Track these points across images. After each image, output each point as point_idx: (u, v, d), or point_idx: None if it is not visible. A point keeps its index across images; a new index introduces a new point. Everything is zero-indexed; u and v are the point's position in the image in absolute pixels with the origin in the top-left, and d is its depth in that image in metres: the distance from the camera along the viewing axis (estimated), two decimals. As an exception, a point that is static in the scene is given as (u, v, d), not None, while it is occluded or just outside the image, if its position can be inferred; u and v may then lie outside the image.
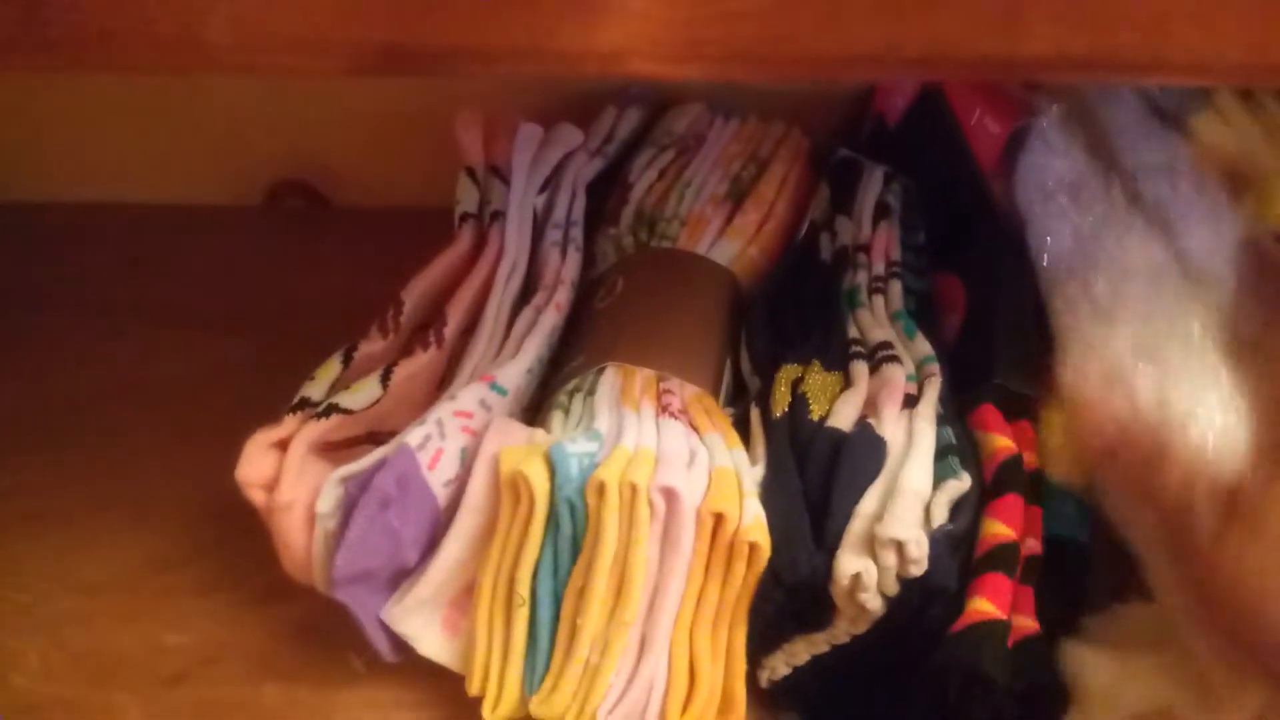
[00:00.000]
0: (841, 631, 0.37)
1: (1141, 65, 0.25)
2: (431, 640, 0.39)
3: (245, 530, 0.39)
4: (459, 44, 0.24)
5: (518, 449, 0.36)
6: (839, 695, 0.40)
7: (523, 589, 0.36)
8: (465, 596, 0.39)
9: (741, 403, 0.42)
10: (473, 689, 0.38)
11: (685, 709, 0.37)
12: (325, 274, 0.55)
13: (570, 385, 0.41)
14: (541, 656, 0.37)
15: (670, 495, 0.35)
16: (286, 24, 0.23)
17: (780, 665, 0.39)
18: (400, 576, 0.38)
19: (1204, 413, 0.36)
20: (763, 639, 0.38)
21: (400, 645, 0.39)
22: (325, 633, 0.41)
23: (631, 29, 0.23)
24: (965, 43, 0.24)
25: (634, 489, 0.35)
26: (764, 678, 0.40)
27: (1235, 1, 0.23)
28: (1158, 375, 0.37)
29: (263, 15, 0.23)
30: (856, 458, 0.37)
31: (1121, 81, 0.43)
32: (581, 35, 0.24)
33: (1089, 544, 0.37)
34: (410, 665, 0.39)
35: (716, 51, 0.24)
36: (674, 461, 0.36)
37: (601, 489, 0.35)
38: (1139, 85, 0.44)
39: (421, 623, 0.38)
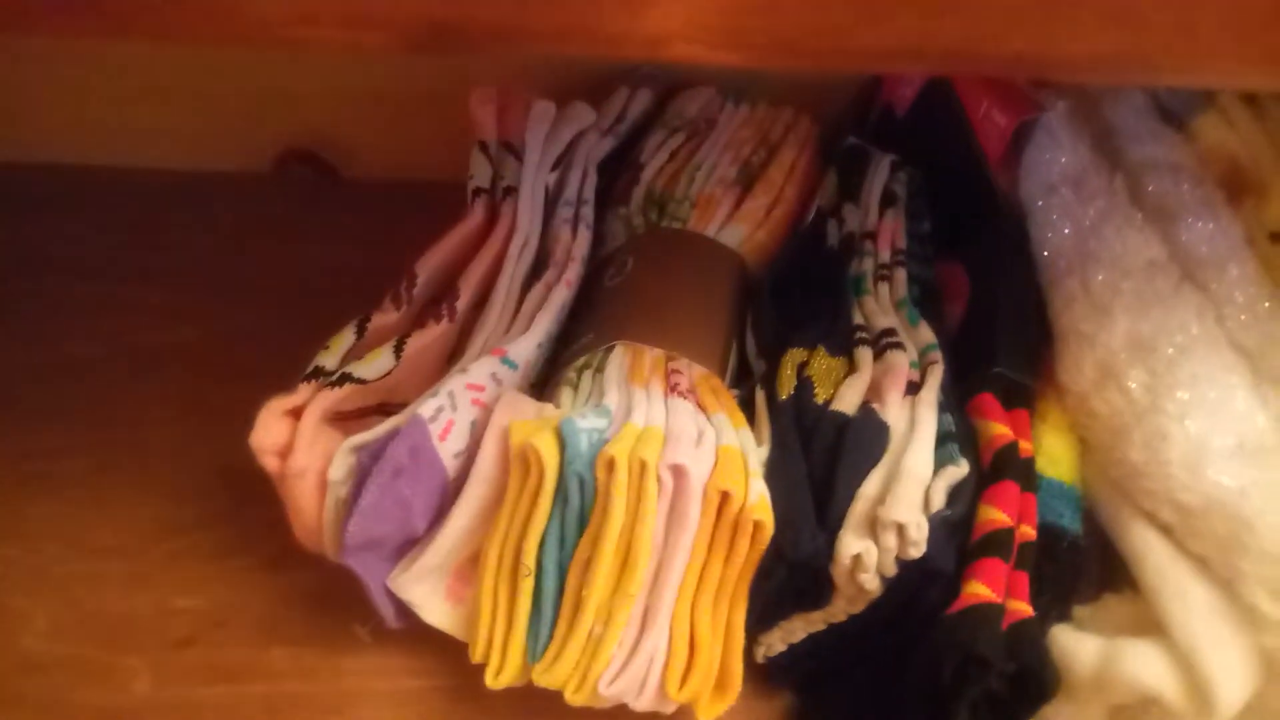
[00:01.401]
0: (839, 611, 0.38)
1: (1168, 67, 0.26)
2: (436, 608, 0.39)
3: (254, 497, 0.40)
4: (507, 23, 0.24)
5: (528, 422, 0.37)
6: (833, 674, 0.41)
7: (529, 559, 0.37)
8: (470, 566, 0.39)
9: (747, 384, 0.43)
10: (476, 656, 0.38)
11: (684, 682, 0.37)
12: (333, 244, 0.56)
13: (579, 362, 0.41)
14: (545, 626, 0.37)
15: (678, 473, 0.35)
16: (336, -2, 0.24)
17: (777, 642, 0.40)
18: (408, 545, 0.39)
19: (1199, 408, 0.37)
20: (761, 616, 0.39)
21: (404, 613, 0.39)
22: (333, 599, 0.41)
23: (676, 14, 0.24)
24: (1000, 40, 0.25)
25: (643, 465, 0.35)
26: (760, 654, 0.41)
27: (1259, 6, 0.24)
28: (1152, 370, 0.38)
29: (314, -12, 0.24)
30: (860, 441, 0.38)
31: (1148, 82, 0.44)
32: (626, 18, 0.24)
33: (1081, 533, 0.38)
34: (415, 633, 0.39)
35: (759, 40, 0.24)
36: (682, 440, 0.36)
37: (611, 464, 0.35)
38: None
39: (427, 590, 0.39)
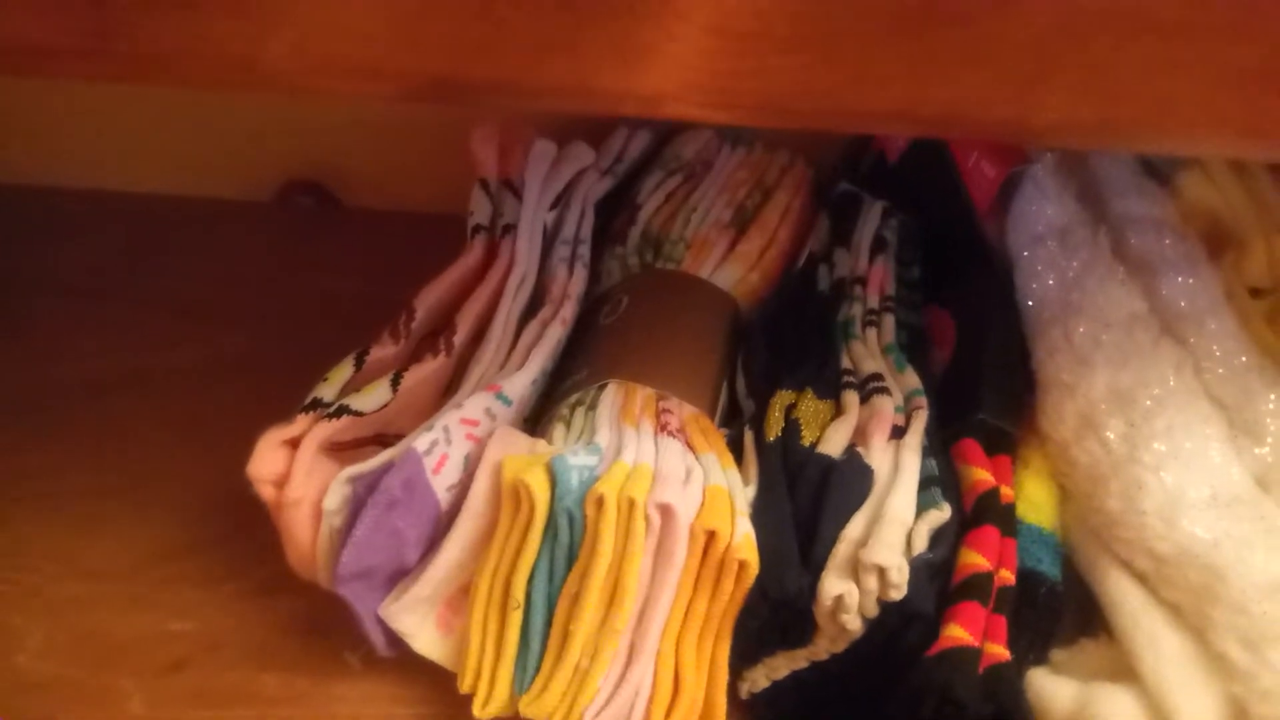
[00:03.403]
0: (821, 649, 0.39)
1: (1146, 136, 0.27)
2: (426, 638, 0.40)
3: (248, 523, 0.40)
4: (506, 80, 0.25)
5: (520, 458, 0.37)
6: (815, 710, 0.41)
7: (518, 592, 0.37)
8: (460, 597, 0.40)
9: (736, 424, 0.43)
10: (464, 686, 0.39)
11: (668, 716, 0.38)
12: (333, 273, 0.56)
13: (572, 399, 0.42)
14: (533, 658, 0.38)
15: (666, 511, 0.36)
16: (346, 51, 0.25)
17: (761, 678, 0.41)
18: (399, 575, 0.39)
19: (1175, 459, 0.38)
20: (745, 653, 0.39)
21: (395, 641, 0.40)
22: (325, 626, 0.42)
23: (671, 75, 0.25)
24: (983, 107, 0.26)
25: (632, 503, 0.36)
26: (744, 689, 0.41)
27: (1235, 81, 0.25)
28: (1130, 421, 0.39)
29: (324, 41, 0.24)
30: (845, 484, 0.38)
31: (1127, 149, 0.45)
32: (623, 78, 0.25)
33: (1060, 579, 0.39)
34: (405, 662, 0.40)
35: (751, 101, 0.25)
36: (671, 479, 0.37)
37: (600, 502, 0.36)
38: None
39: (417, 620, 0.39)
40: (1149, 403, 0.38)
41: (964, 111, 0.26)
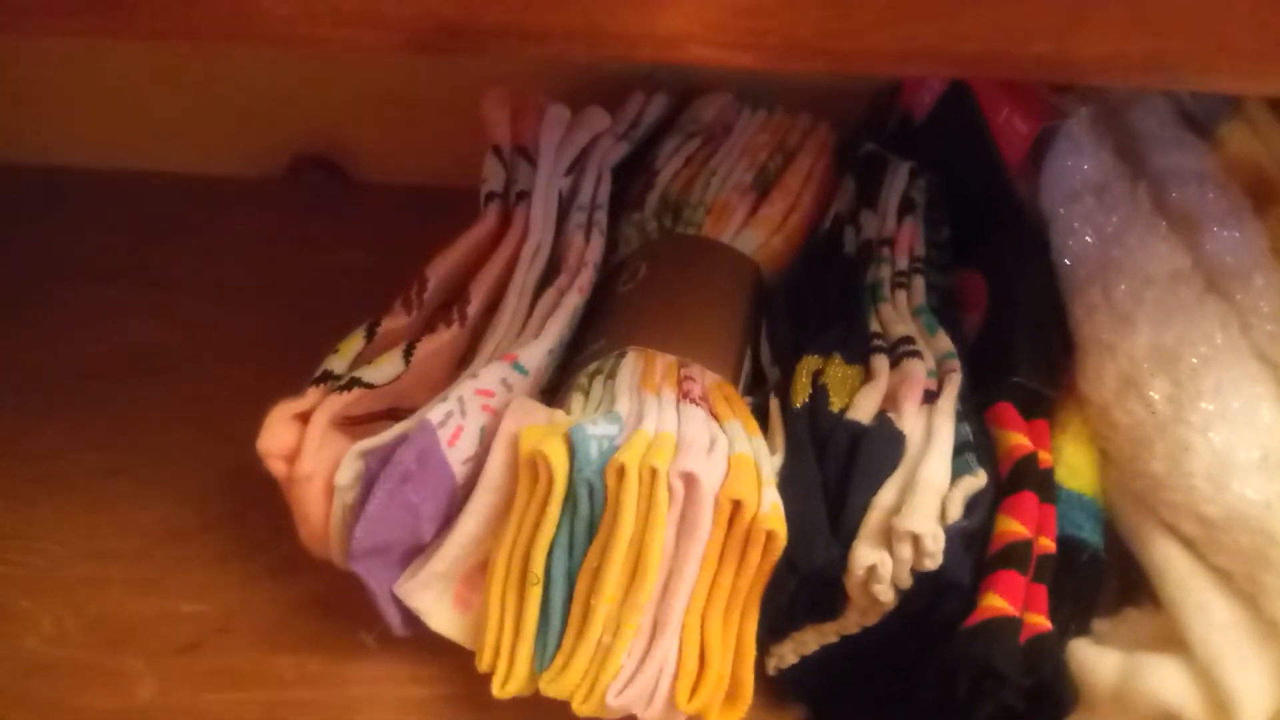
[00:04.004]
0: (852, 622, 0.38)
1: (1198, 71, 0.26)
2: (443, 616, 0.39)
3: (260, 502, 0.39)
4: (516, 23, 0.24)
5: (538, 429, 0.36)
6: (845, 686, 0.40)
7: (537, 568, 0.36)
8: (478, 573, 0.39)
9: (760, 392, 0.42)
10: (483, 665, 0.38)
11: (693, 693, 0.37)
12: (343, 248, 0.56)
13: (591, 368, 0.41)
14: (553, 635, 0.37)
15: (690, 480, 0.35)
16: (345, -4, 0.23)
17: (789, 654, 0.40)
18: (415, 552, 0.38)
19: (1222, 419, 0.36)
20: (773, 627, 0.38)
21: (411, 620, 0.39)
22: (338, 606, 0.41)
23: (692, 14, 0.24)
24: (1022, 42, 0.24)
25: (654, 472, 0.35)
26: (772, 665, 0.40)
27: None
28: (1175, 380, 0.37)
29: (322, -15, 0.23)
30: (875, 450, 0.37)
31: (1176, 85, 0.43)
32: (641, 19, 0.24)
33: (1102, 546, 0.37)
34: (422, 641, 0.39)
35: (776, 41, 0.24)
36: (694, 447, 0.36)
37: (622, 471, 0.35)
38: (1179, 90, 0.45)
39: (433, 598, 0.39)
40: (1195, 361, 0.37)
41: (1002, 48, 0.25)
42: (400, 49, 0.24)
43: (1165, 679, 0.33)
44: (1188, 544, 0.36)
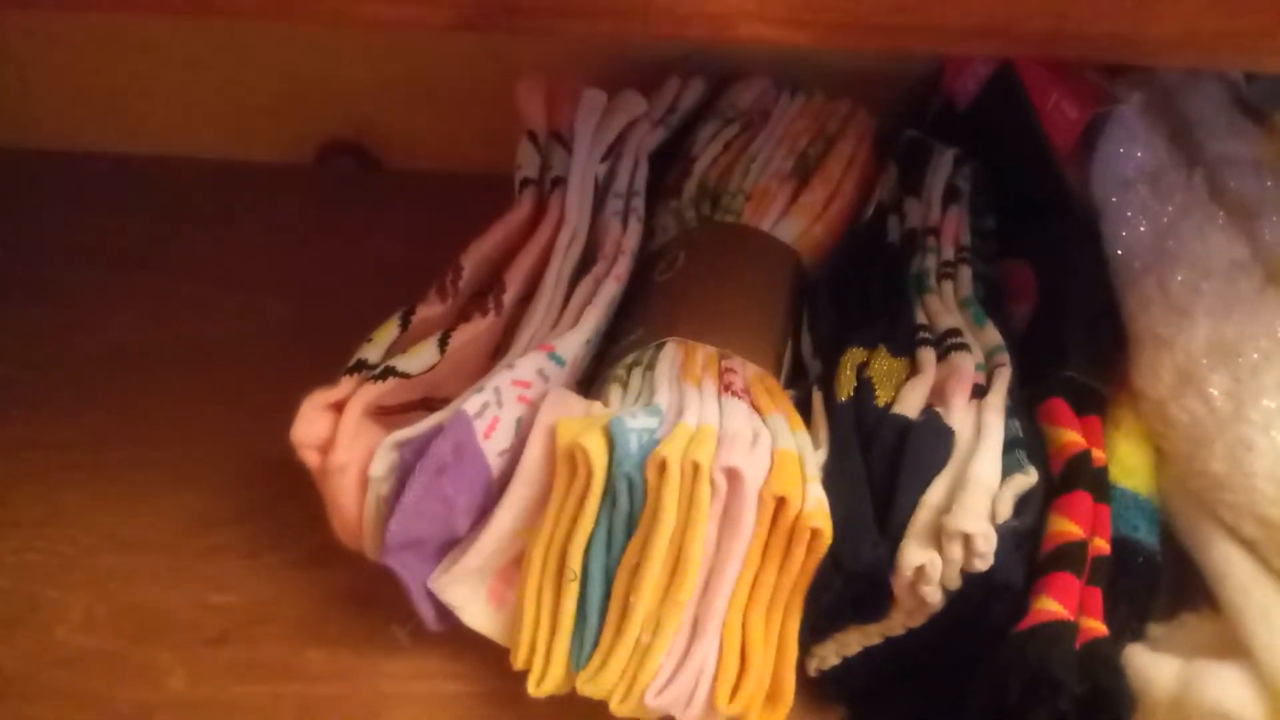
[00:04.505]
0: (897, 624, 0.37)
1: (1269, 49, 0.24)
2: (477, 611, 0.38)
3: (292, 493, 0.39)
4: (567, 0, 0.23)
5: (575, 421, 0.36)
6: (888, 688, 0.39)
7: (574, 564, 0.36)
8: (512, 568, 0.38)
9: (802, 385, 0.41)
10: (518, 662, 0.37)
11: (734, 694, 0.36)
12: (375, 236, 0.55)
13: (629, 359, 0.40)
14: (590, 633, 0.36)
15: (733, 476, 0.34)
16: (390, -28, 0.23)
17: (831, 655, 0.39)
18: (449, 545, 0.38)
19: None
20: (815, 627, 0.38)
21: (444, 615, 0.38)
22: (371, 600, 0.41)
23: (745, -10, 0.23)
24: (1091, 20, 0.24)
25: (696, 468, 0.34)
26: (813, 666, 0.39)
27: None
28: (1235, 376, 0.36)
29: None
30: (923, 446, 0.36)
31: (1249, 67, 0.42)
32: (692, -5, 0.23)
33: (1158, 548, 0.37)
34: (455, 637, 0.39)
35: (833, 18, 0.23)
36: (737, 441, 0.35)
37: (663, 466, 0.34)
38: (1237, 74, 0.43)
39: (468, 592, 0.38)
40: (1256, 356, 0.36)
41: (1070, 25, 0.24)
42: (449, 27, 0.23)
43: (1228, 687, 0.32)
44: (1249, 547, 0.35)
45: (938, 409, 0.37)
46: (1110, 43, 0.24)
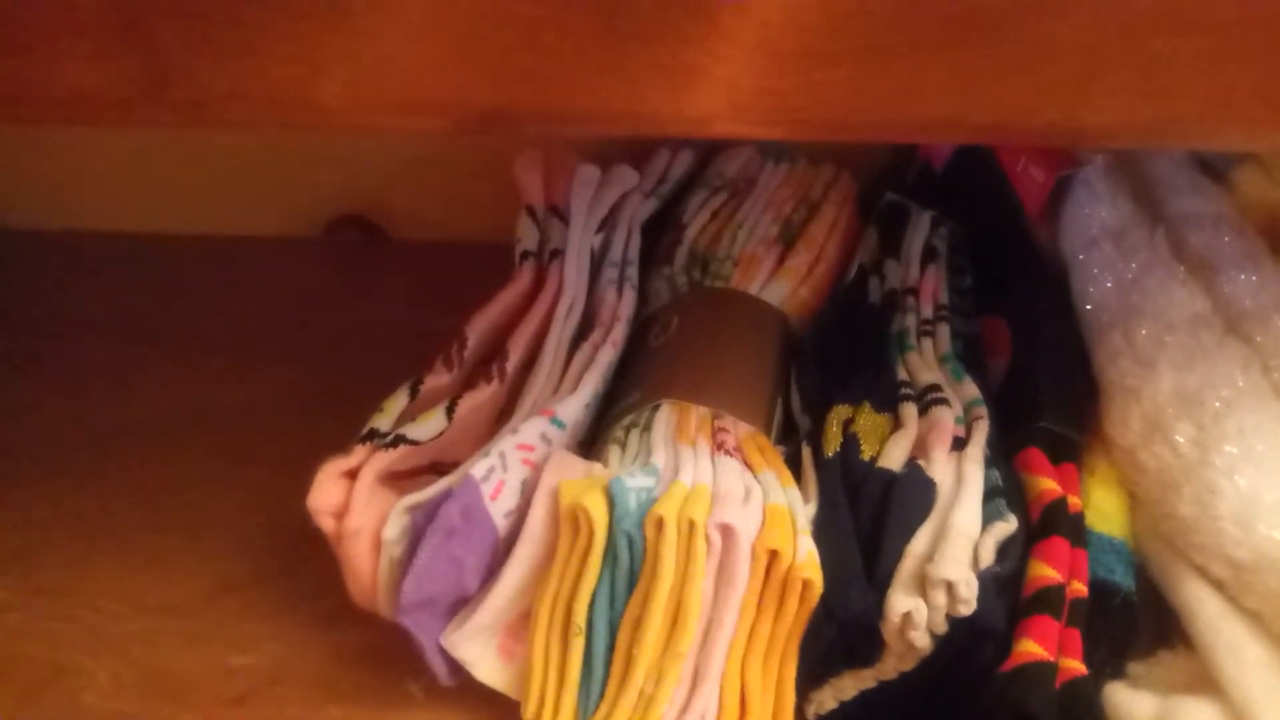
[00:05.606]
0: (890, 668, 0.38)
1: (1205, 132, 0.26)
2: (488, 666, 0.39)
3: (306, 556, 0.41)
4: (555, 107, 0.25)
5: (577, 482, 0.37)
6: (883, 731, 0.40)
7: (579, 618, 0.37)
8: (521, 624, 0.39)
9: (792, 441, 0.43)
10: (528, 715, 0.38)
11: (735, 740, 0.38)
12: (381, 305, 0.57)
13: (626, 420, 0.42)
14: (596, 684, 0.38)
15: (727, 531, 0.36)
16: (396, 88, 0.25)
17: (828, 700, 0.40)
18: (460, 603, 0.39)
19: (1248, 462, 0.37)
20: (812, 674, 0.39)
21: (456, 670, 0.40)
22: (386, 657, 0.41)
23: (719, 96, 0.25)
24: (1033, 112, 0.26)
25: (692, 524, 0.35)
26: (811, 712, 0.40)
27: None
28: (1199, 424, 0.38)
29: (374, 79, 0.25)
30: (907, 498, 0.38)
31: (1184, 146, 0.44)
32: (671, 101, 0.25)
33: (1134, 589, 0.38)
34: (468, 691, 0.40)
35: (800, 116, 0.25)
36: (730, 498, 0.37)
37: (660, 523, 0.36)
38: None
39: (479, 648, 0.39)
40: (1218, 404, 0.37)
41: (1014, 117, 0.26)
42: (448, 133, 0.26)
43: (1200, 721, 0.34)
44: (1218, 586, 0.36)
45: (920, 461, 0.39)
46: (1053, 131, 0.26)
